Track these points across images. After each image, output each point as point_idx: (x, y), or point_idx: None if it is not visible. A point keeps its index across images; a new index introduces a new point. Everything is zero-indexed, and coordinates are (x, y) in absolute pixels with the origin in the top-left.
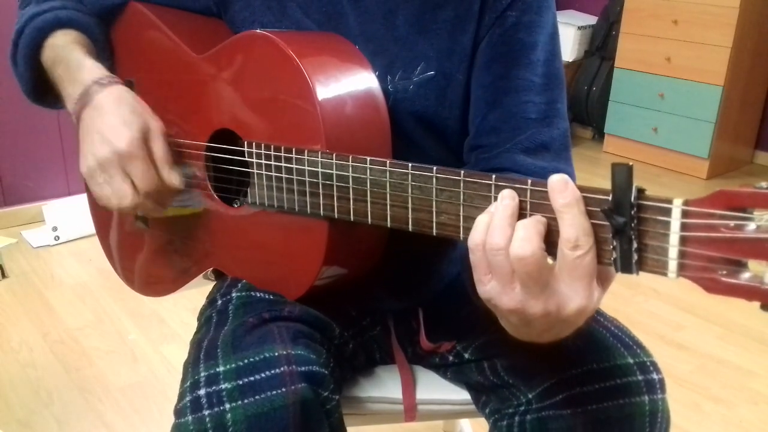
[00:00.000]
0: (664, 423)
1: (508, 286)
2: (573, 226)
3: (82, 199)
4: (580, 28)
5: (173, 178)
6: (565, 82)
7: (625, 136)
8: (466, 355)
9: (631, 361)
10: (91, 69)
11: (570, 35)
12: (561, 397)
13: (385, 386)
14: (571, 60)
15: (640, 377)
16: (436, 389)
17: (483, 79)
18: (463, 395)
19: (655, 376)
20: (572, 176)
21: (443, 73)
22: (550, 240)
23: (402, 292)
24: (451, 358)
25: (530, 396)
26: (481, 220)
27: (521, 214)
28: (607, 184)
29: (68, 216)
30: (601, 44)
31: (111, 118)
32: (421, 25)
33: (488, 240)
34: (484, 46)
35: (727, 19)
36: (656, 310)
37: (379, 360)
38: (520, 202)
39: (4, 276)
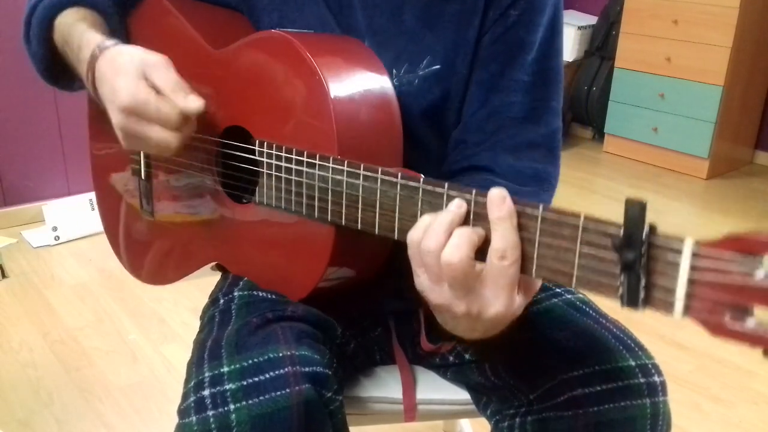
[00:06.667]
0: (665, 426)
1: (437, 284)
2: (504, 238)
3: (82, 199)
4: (580, 28)
5: (190, 102)
6: (562, 80)
7: (625, 136)
8: (467, 356)
9: (633, 363)
10: (89, 43)
11: (570, 35)
12: (562, 398)
13: (385, 386)
14: (571, 60)
15: (641, 380)
16: (436, 389)
17: (479, 76)
18: (463, 395)
19: (656, 378)
20: (555, 176)
21: (448, 67)
22: (485, 248)
23: (404, 293)
24: (451, 358)
25: (531, 397)
26: (423, 220)
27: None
28: (606, 183)
29: (68, 216)
30: (601, 44)
31: (111, 80)
32: (427, 19)
33: (423, 241)
34: (486, 42)
35: (727, 19)
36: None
37: (380, 361)
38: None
39: (4, 276)
